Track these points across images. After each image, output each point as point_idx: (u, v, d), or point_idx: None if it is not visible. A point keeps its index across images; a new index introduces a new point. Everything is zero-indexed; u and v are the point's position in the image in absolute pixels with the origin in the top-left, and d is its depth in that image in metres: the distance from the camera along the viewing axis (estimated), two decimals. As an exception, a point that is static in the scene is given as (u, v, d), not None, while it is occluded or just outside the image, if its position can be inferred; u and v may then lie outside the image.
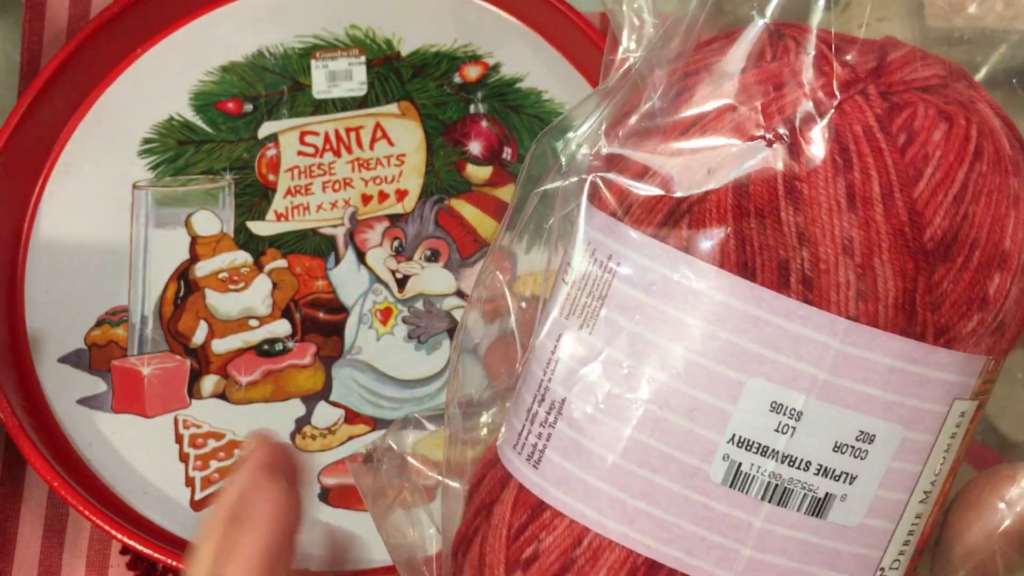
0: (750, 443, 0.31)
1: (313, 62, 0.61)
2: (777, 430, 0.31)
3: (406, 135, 0.60)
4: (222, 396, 0.55)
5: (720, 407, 0.31)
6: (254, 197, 0.59)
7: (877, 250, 0.30)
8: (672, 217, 0.31)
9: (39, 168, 0.59)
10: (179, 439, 0.55)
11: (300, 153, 0.60)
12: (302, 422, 0.55)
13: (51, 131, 0.59)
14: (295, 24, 0.62)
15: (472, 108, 0.61)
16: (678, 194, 0.31)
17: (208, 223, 0.58)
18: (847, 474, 0.31)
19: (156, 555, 0.50)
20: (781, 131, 0.31)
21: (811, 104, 0.31)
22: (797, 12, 0.34)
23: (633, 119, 0.33)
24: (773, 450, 0.31)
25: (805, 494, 0.31)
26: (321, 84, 0.61)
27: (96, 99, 0.61)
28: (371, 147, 0.60)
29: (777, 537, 0.31)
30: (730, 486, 0.31)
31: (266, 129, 0.60)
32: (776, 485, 0.31)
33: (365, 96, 0.61)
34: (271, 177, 0.59)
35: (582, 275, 0.33)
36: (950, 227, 0.31)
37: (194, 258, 0.58)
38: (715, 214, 0.31)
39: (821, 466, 0.31)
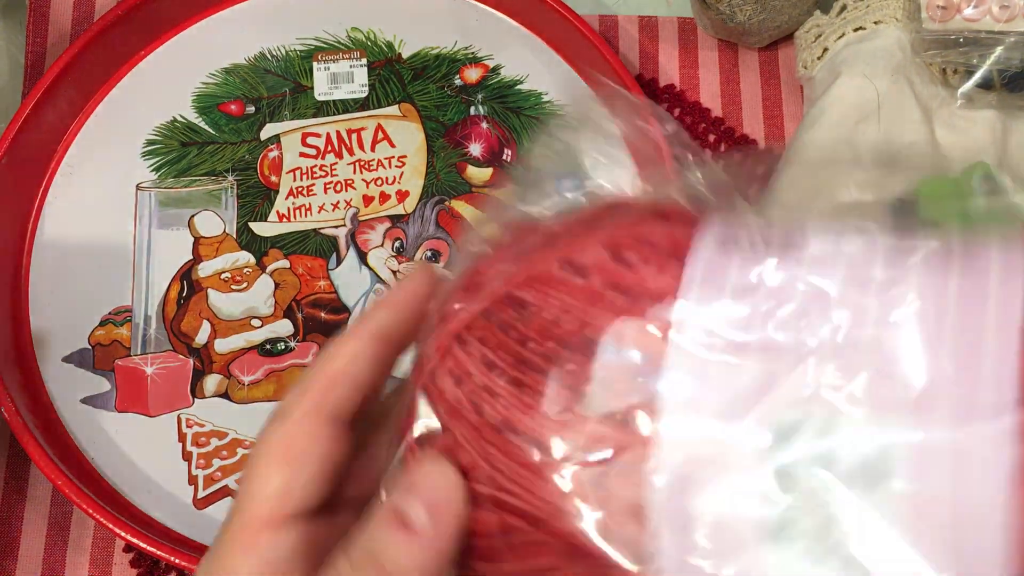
0: None
1: (315, 64, 0.62)
2: None
3: (407, 137, 0.61)
4: (225, 395, 0.56)
5: None
6: (256, 198, 0.59)
7: None
8: None
9: (43, 170, 0.59)
10: (182, 438, 0.55)
11: (302, 154, 0.60)
12: (304, 421, 0.56)
13: (55, 133, 0.60)
14: (297, 26, 0.62)
15: (472, 110, 0.61)
16: None
17: (211, 224, 0.59)
18: None
19: (159, 553, 0.50)
20: None
21: None
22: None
23: None
24: None
25: None
26: (323, 86, 0.61)
27: (100, 101, 0.61)
28: (372, 149, 0.60)
29: None
30: None
31: (268, 131, 0.61)
32: None
33: (366, 98, 0.61)
34: (273, 178, 0.60)
35: None
36: None
37: (197, 258, 0.58)
38: None
39: None
